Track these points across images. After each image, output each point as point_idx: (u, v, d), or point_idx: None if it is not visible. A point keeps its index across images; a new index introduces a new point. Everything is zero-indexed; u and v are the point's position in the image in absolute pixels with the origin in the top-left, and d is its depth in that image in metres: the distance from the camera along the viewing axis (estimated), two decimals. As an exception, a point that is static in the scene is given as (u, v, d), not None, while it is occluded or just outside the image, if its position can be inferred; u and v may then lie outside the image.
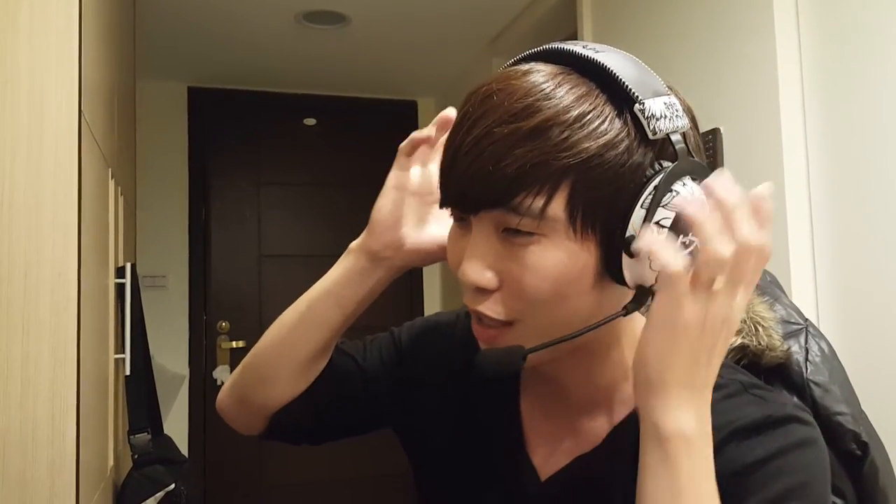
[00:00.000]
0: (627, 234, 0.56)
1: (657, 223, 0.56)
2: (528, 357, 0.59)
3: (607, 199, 0.56)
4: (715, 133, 1.73)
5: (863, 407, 0.79)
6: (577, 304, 0.59)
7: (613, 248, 0.57)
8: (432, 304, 3.76)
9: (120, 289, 1.61)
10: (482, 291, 0.60)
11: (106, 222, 1.48)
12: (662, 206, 0.56)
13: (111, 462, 1.51)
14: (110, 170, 1.52)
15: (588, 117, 0.56)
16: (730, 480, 0.58)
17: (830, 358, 0.80)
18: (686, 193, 0.56)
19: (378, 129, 3.75)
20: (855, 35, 1.45)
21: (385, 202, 0.72)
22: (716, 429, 0.58)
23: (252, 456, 3.31)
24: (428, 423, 0.79)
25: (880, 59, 1.39)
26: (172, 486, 1.59)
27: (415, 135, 0.71)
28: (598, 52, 0.59)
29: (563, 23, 2.50)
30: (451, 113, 0.68)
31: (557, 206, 0.56)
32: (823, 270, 1.52)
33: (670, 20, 1.95)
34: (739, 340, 0.74)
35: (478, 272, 0.60)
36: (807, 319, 0.82)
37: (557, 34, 2.60)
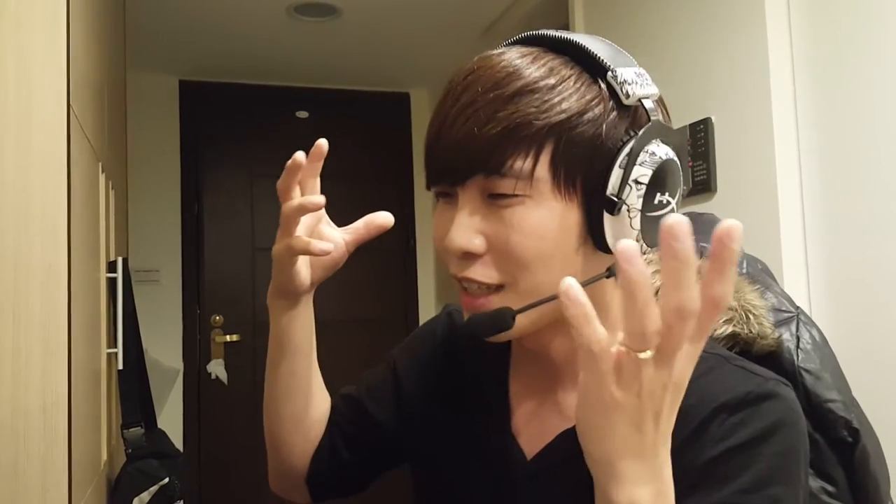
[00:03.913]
0: (608, 192, 0.60)
1: (635, 181, 0.59)
2: (517, 328, 0.61)
3: (588, 158, 0.60)
4: (706, 122, 1.73)
5: (854, 394, 0.80)
6: (562, 267, 0.61)
7: (595, 207, 0.61)
8: (427, 301, 3.76)
9: (112, 283, 1.60)
10: (469, 257, 0.63)
11: (97, 216, 1.47)
12: (639, 165, 0.59)
13: (105, 456, 1.50)
14: (100, 164, 1.51)
15: (566, 83, 0.61)
16: (710, 464, 0.60)
17: (822, 345, 0.80)
18: (661, 154, 0.60)
19: (371, 122, 3.74)
20: (846, 23, 1.45)
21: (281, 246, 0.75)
22: (701, 404, 0.61)
23: (247, 449, 3.30)
24: (424, 425, 0.81)
25: (871, 47, 1.39)
26: (166, 479, 1.58)
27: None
28: (569, 34, 0.64)
29: (555, 13, 2.50)
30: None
31: (542, 167, 0.60)
32: (815, 259, 1.52)
33: (662, 9, 1.95)
34: (730, 329, 0.74)
35: (465, 237, 0.62)
36: (798, 307, 0.82)
37: (549, 25, 2.57)
